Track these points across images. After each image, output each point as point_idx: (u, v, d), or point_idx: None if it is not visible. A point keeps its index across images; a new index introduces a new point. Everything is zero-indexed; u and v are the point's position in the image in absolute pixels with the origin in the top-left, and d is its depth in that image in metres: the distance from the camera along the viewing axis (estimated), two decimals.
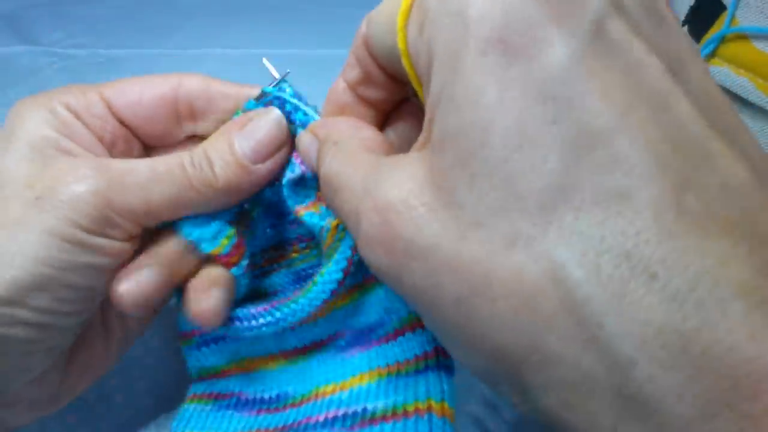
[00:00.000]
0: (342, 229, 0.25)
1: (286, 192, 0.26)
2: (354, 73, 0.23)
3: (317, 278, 0.25)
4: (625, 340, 0.13)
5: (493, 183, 0.14)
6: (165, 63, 0.55)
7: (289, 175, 0.26)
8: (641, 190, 0.13)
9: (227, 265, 0.27)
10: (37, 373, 0.25)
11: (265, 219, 0.29)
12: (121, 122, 0.26)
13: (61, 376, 0.27)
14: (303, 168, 0.25)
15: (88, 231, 0.22)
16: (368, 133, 0.21)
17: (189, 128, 0.28)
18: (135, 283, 0.24)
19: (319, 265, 0.30)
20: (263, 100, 0.27)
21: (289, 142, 0.26)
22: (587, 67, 0.14)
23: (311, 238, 0.30)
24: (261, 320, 0.26)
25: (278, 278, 0.30)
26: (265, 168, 0.25)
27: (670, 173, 0.13)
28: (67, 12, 0.87)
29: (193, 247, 0.26)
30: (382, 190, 0.17)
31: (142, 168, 0.24)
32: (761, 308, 0.12)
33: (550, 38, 0.14)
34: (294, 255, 0.30)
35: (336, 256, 0.25)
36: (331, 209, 0.21)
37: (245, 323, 0.27)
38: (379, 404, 0.25)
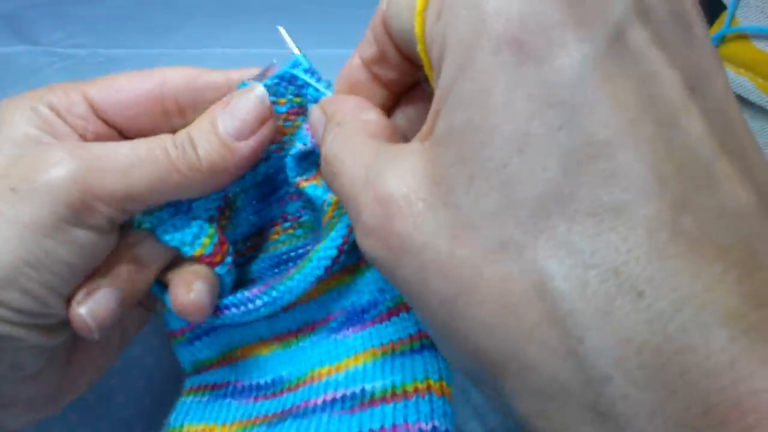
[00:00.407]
0: (342, 206, 0.25)
1: (290, 163, 0.26)
2: (370, 51, 0.22)
3: (312, 255, 0.25)
4: (603, 355, 0.13)
5: (491, 185, 0.14)
6: (165, 63, 0.54)
7: (299, 146, 0.25)
8: (638, 207, 0.13)
9: (211, 265, 0.26)
10: (31, 372, 0.24)
11: (248, 205, 0.29)
12: (106, 122, 0.26)
13: (59, 376, 0.26)
14: (314, 141, 0.25)
15: (67, 220, 0.22)
16: (372, 116, 0.21)
17: (178, 123, 0.27)
18: (95, 304, 0.23)
19: (301, 247, 0.30)
20: (272, 76, 0.26)
21: (273, 117, 0.25)
22: (600, 74, 0.13)
23: (296, 217, 0.30)
24: (258, 302, 0.26)
25: (258, 264, 0.30)
26: (248, 146, 0.24)
27: (669, 193, 0.13)
28: (67, 12, 0.87)
29: (147, 258, 0.25)
30: (384, 181, 0.17)
31: (122, 150, 0.23)
32: (744, 337, 0.12)
33: (566, 42, 0.14)
34: (276, 236, 0.30)
35: (332, 234, 0.25)
36: (331, 189, 0.20)
37: (242, 308, 0.26)
38: (377, 384, 0.25)
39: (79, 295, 0.23)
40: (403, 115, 0.24)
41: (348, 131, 0.20)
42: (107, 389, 0.33)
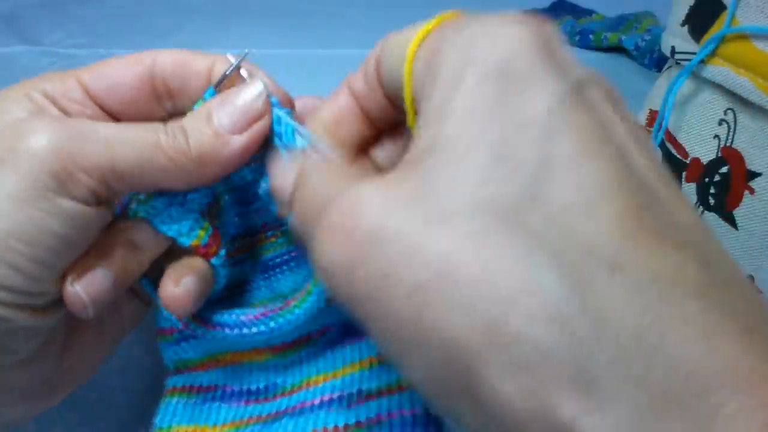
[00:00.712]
0: None
1: (266, 190, 0.25)
2: (359, 85, 0.23)
3: (310, 287, 0.25)
4: (586, 319, 0.14)
5: (472, 184, 0.16)
6: None
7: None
8: (606, 203, 0.15)
9: (206, 256, 0.26)
10: (25, 356, 0.24)
11: (231, 207, 0.29)
12: (101, 107, 0.26)
13: (54, 365, 0.26)
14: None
15: (51, 189, 0.21)
16: (342, 151, 0.23)
17: (168, 105, 0.27)
18: (88, 283, 0.23)
19: (285, 253, 0.30)
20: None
21: (268, 115, 0.25)
22: (570, 106, 0.16)
23: (278, 226, 0.30)
24: (254, 329, 0.26)
25: (247, 267, 0.30)
26: (241, 141, 0.24)
27: (631, 196, 0.15)
28: (67, 12, 0.87)
29: (143, 243, 0.25)
30: (357, 186, 0.17)
31: (108, 125, 0.23)
32: (716, 310, 0.13)
33: (544, 79, 0.16)
34: (260, 244, 0.30)
35: None
36: (295, 222, 0.21)
37: (235, 330, 0.26)
38: (373, 385, 0.26)
39: (73, 273, 0.23)
40: (383, 151, 0.25)
41: (312, 169, 0.21)
42: (107, 389, 0.33)
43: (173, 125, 0.24)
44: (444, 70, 0.18)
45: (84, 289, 0.23)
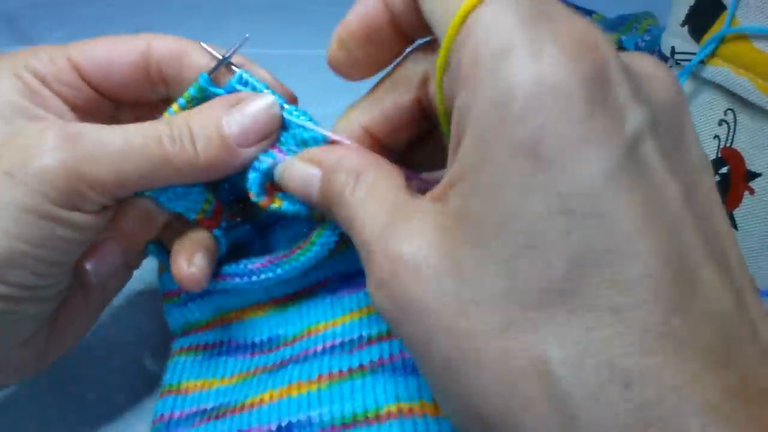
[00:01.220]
0: None
1: (256, 179, 0.25)
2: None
3: (314, 238, 0.26)
4: None
5: (498, 271, 0.15)
6: None
7: (268, 161, 0.25)
8: (633, 310, 0.14)
9: (210, 228, 0.27)
10: (23, 339, 0.25)
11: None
12: (95, 89, 0.26)
13: (46, 338, 0.27)
14: (281, 157, 0.25)
15: (60, 205, 0.22)
16: (388, 167, 0.21)
17: (162, 91, 0.27)
18: (98, 257, 0.25)
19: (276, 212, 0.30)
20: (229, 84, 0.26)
21: (279, 127, 0.25)
22: (613, 187, 0.15)
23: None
24: (262, 276, 0.27)
25: (241, 231, 0.31)
26: (249, 153, 0.24)
27: (663, 298, 0.14)
28: (67, 12, 0.87)
29: (155, 212, 0.26)
30: (395, 238, 0.18)
31: (115, 140, 0.23)
32: (715, 424, 0.14)
33: (582, 156, 0.15)
34: (252, 207, 0.30)
35: (332, 223, 0.25)
36: (344, 229, 0.21)
37: (245, 279, 0.27)
38: (373, 330, 0.27)
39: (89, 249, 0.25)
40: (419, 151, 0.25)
41: (369, 183, 0.20)
42: (107, 389, 0.33)
43: (180, 128, 0.24)
44: (474, 127, 0.16)
45: (93, 262, 0.25)
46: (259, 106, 0.24)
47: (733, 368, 0.14)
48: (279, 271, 0.27)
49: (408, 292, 0.17)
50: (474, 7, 0.16)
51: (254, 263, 0.27)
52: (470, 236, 0.16)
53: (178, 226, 0.27)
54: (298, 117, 0.25)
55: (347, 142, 0.23)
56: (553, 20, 0.15)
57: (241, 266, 0.27)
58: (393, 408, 0.24)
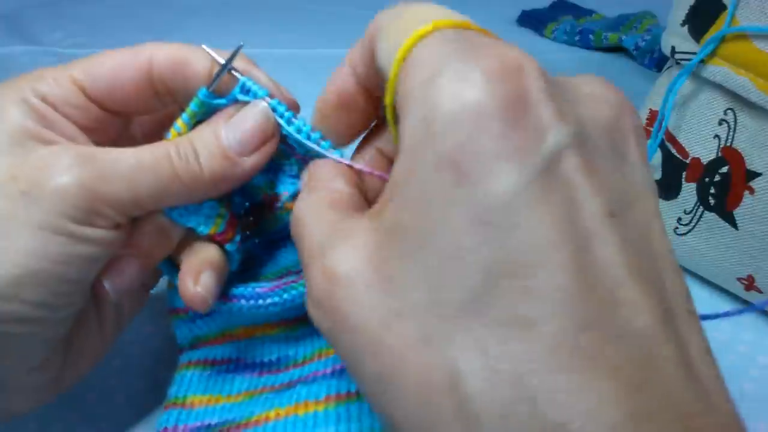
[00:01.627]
0: None
1: (284, 187, 0.26)
2: (357, 62, 0.23)
3: None
4: None
5: (422, 283, 0.16)
6: None
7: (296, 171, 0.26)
8: (545, 324, 0.14)
9: (222, 242, 0.27)
10: (38, 362, 0.25)
11: (237, 189, 0.29)
12: (102, 108, 0.26)
13: (61, 362, 0.27)
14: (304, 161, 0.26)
15: (76, 222, 0.23)
16: (339, 186, 0.22)
17: (169, 101, 0.27)
18: (115, 274, 0.25)
19: (286, 227, 0.31)
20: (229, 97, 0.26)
21: (276, 134, 0.26)
22: (526, 200, 0.15)
23: (278, 200, 0.30)
24: (269, 300, 0.27)
25: (250, 245, 0.31)
26: (251, 161, 0.25)
27: (574, 313, 0.14)
28: (67, 12, 0.87)
29: (170, 228, 0.26)
30: (333, 256, 0.18)
31: (127, 159, 0.24)
32: None
33: (498, 170, 0.15)
34: (263, 220, 0.31)
35: None
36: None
37: (251, 302, 0.27)
38: None
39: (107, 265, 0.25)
40: (386, 139, 0.25)
41: (315, 198, 0.21)
42: (107, 389, 0.33)
43: (184, 144, 0.25)
44: (405, 141, 0.17)
45: (110, 278, 0.25)
46: (253, 114, 0.25)
47: (649, 391, 0.14)
48: (286, 296, 0.27)
49: (341, 309, 0.17)
50: (410, 49, 0.18)
51: (263, 287, 0.27)
52: (399, 249, 0.16)
53: (190, 242, 0.27)
54: (308, 132, 0.25)
55: (345, 161, 0.24)
56: (479, 50, 0.16)
57: (249, 289, 0.27)
58: None
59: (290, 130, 0.25)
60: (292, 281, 0.27)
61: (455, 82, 0.16)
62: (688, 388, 0.15)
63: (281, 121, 0.25)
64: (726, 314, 0.31)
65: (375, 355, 0.16)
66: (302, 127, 0.25)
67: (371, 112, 0.24)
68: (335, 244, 0.18)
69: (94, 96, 0.26)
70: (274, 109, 0.25)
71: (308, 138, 0.25)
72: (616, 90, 0.19)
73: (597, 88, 0.18)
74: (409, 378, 0.15)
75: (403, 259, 0.16)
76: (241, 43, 0.26)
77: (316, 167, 0.24)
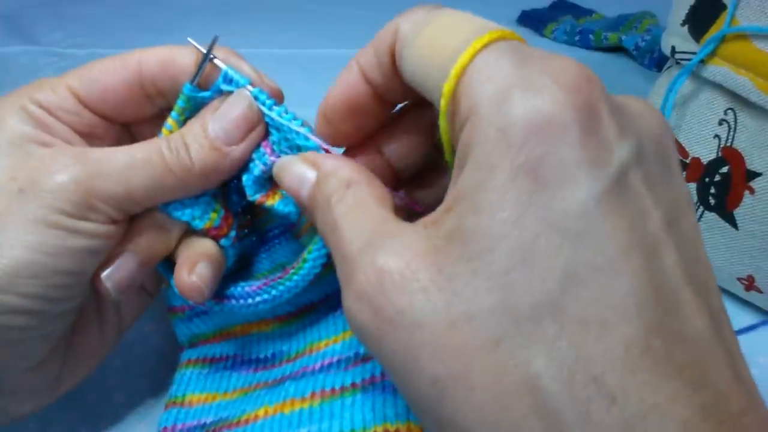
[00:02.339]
0: None
1: (247, 182, 0.26)
2: (371, 69, 0.22)
3: (306, 255, 0.26)
4: None
5: (492, 285, 0.16)
6: None
7: (260, 167, 0.26)
8: (619, 326, 0.15)
9: (217, 238, 0.28)
10: (36, 361, 0.25)
11: (233, 186, 0.30)
12: (95, 113, 0.27)
13: (61, 363, 0.27)
14: (273, 159, 0.26)
15: (72, 216, 0.23)
16: (379, 183, 0.22)
17: (161, 102, 0.28)
18: (114, 270, 0.25)
19: (282, 224, 0.31)
20: (213, 89, 0.27)
21: (262, 123, 0.26)
22: (601, 210, 0.16)
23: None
24: (258, 298, 0.27)
25: (248, 242, 0.31)
26: (239, 150, 0.26)
27: (645, 317, 0.15)
28: (67, 12, 0.87)
29: (169, 225, 0.27)
30: (384, 252, 0.18)
31: (120, 156, 0.24)
32: None
33: (577, 179, 0.16)
34: (258, 218, 0.31)
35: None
36: (323, 238, 0.21)
37: (241, 301, 0.28)
38: None
39: (104, 261, 0.25)
40: (387, 148, 0.25)
41: (359, 193, 0.21)
42: (107, 389, 0.33)
43: (175, 138, 0.25)
44: (478, 153, 0.17)
45: (109, 275, 0.25)
46: (237, 104, 0.26)
47: (709, 389, 0.15)
48: (274, 292, 0.27)
49: (394, 304, 0.17)
50: (470, 61, 0.18)
51: (251, 285, 0.28)
52: (464, 252, 0.16)
53: (187, 239, 0.28)
54: (289, 120, 0.25)
55: (336, 151, 0.24)
56: (543, 62, 0.17)
57: (238, 288, 0.28)
58: (380, 429, 0.24)
59: (272, 114, 0.26)
60: (279, 277, 0.27)
61: (531, 93, 0.16)
62: (736, 387, 0.15)
63: (263, 108, 0.26)
64: (751, 328, 0.32)
65: (436, 355, 0.16)
66: (283, 113, 0.26)
67: (381, 116, 0.24)
68: (387, 240, 0.18)
69: (87, 102, 0.26)
70: (255, 97, 0.26)
71: (291, 120, 0.25)
72: (655, 109, 0.20)
73: (640, 105, 0.19)
74: (477, 379, 0.15)
75: (470, 262, 0.16)
76: (217, 35, 0.26)
77: (331, 160, 0.23)
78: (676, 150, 0.19)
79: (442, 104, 0.19)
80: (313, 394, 0.26)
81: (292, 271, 0.26)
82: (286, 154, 0.26)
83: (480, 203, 0.16)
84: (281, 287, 0.27)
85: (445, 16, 0.20)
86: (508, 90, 0.17)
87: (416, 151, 0.25)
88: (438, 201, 0.19)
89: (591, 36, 0.82)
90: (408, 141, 0.25)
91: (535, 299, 0.15)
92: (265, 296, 0.27)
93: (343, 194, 0.21)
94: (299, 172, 0.23)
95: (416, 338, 0.16)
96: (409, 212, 0.24)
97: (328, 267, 0.27)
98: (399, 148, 0.25)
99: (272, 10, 0.93)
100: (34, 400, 0.27)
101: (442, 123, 0.19)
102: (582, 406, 0.15)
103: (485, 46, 0.18)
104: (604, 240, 0.15)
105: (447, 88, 0.18)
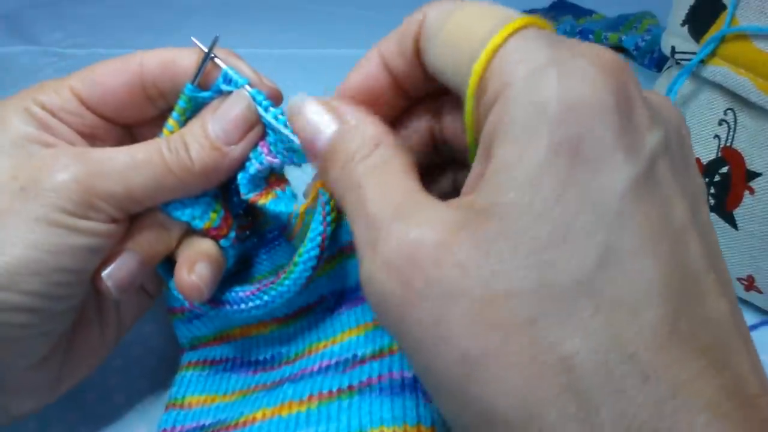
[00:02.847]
0: (310, 212, 0.26)
1: (242, 180, 0.27)
2: (393, 57, 0.22)
3: (296, 258, 0.26)
4: (615, 426, 0.15)
5: (531, 262, 0.16)
6: None
7: (256, 166, 0.26)
8: (650, 308, 0.15)
9: (217, 238, 0.28)
10: (37, 359, 0.25)
11: (234, 186, 0.29)
12: (97, 114, 0.27)
13: (61, 363, 0.27)
14: (269, 159, 0.26)
15: (73, 215, 0.23)
16: (407, 151, 0.21)
17: (162, 104, 0.28)
18: (115, 268, 0.25)
19: (282, 226, 0.31)
20: (213, 89, 0.27)
21: (260, 123, 0.26)
22: (636, 193, 0.16)
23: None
24: (250, 304, 0.28)
25: (249, 244, 0.31)
26: (238, 149, 0.26)
27: (673, 300, 0.16)
28: (67, 12, 0.87)
29: (169, 224, 0.27)
30: (418, 222, 0.17)
31: (121, 156, 0.25)
32: (717, 421, 0.15)
33: (616, 161, 0.16)
34: (259, 219, 0.31)
35: (309, 235, 0.26)
36: (340, 200, 0.20)
37: (234, 306, 0.28)
38: (367, 350, 0.27)
39: (106, 260, 0.25)
40: (414, 129, 0.25)
41: (387, 158, 0.20)
42: (107, 389, 0.33)
43: (175, 138, 0.26)
44: (515, 129, 0.17)
45: (110, 274, 0.25)
46: (236, 104, 0.26)
47: (729, 371, 0.15)
48: (266, 298, 0.27)
49: (428, 276, 0.16)
50: (501, 44, 0.18)
51: (244, 291, 0.28)
52: (503, 228, 0.16)
53: (187, 239, 0.28)
54: (283, 123, 0.26)
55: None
56: (576, 46, 0.17)
57: (232, 293, 0.28)
58: (376, 431, 0.24)
59: (267, 117, 0.26)
60: (271, 282, 0.27)
61: (569, 74, 0.16)
62: (752, 370, 0.16)
63: (260, 110, 0.26)
64: (751, 328, 0.32)
65: (470, 330, 0.16)
66: (279, 115, 0.26)
67: (397, 107, 0.24)
68: (420, 211, 0.17)
69: (89, 103, 0.27)
70: (253, 98, 0.26)
71: (286, 125, 0.25)
72: (669, 99, 0.20)
73: (660, 98, 0.19)
74: (512, 357, 0.15)
75: (509, 239, 0.16)
76: (217, 35, 0.26)
77: (356, 114, 0.21)
78: (690, 141, 0.20)
79: (471, 82, 0.18)
80: (310, 397, 0.26)
81: (284, 276, 0.27)
82: (283, 154, 0.26)
83: (517, 179, 0.16)
84: (273, 292, 0.27)
85: (472, 5, 0.20)
86: (544, 69, 0.17)
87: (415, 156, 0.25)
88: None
89: (591, 36, 0.82)
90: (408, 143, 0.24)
91: (573, 278, 0.15)
92: (258, 302, 0.27)
93: (369, 152, 0.20)
94: (316, 120, 0.21)
95: (448, 312, 0.16)
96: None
97: (320, 269, 0.27)
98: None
99: (272, 10, 0.93)
100: (35, 399, 0.27)
101: (469, 103, 0.19)
102: (616, 384, 0.15)
103: (517, 30, 0.18)
104: (638, 224, 0.16)
105: (477, 67, 0.18)
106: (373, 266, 0.17)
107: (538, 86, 0.16)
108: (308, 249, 0.26)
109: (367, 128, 0.20)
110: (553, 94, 0.16)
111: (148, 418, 0.31)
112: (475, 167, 0.18)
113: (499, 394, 0.15)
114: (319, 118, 0.21)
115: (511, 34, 0.18)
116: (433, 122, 0.24)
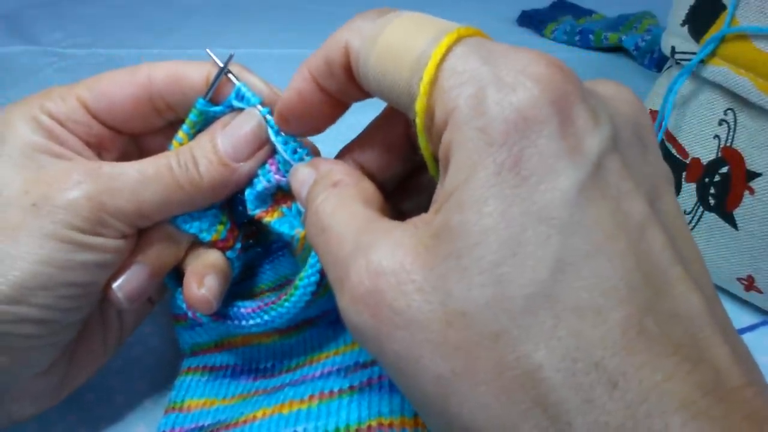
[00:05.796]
0: None
1: (249, 196, 0.27)
2: (323, 76, 0.23)
3: (297, 282, 0.26)
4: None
5: (484, 280, 0.16)
6: None
7: (264, 183, 0.27)
8: (614, 310, 0.15)
9: (223, 249, 0.28)
10: (43, 368, 0.26)
11: (238, 198, 0.30)
12: (104, 125, 0.27)
13: (64, 370, 0.27)
14: (277, 177, 0.27)
15: (84, 231, 0.24)
16: (368, 184, 0.22)
17: (170, 116, 0.28)
18: (125, 280, 0.26)
19: (280, 241, 0.31)
20: (224, 104, 0.27)
21: (269, 141, 0.27)
22: (584, 197, 0.16)
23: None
24: (251, 321, 0.28)
25: (252, 254, 0.32)
26: (247, 167, 0.26)
27: (637, 298, 0.15)
28: (67, 12, 0.87)
29: (178, 237, 0.27)
30: (376, 253, 0.18)
31: (132, 172, 0.25)
32: (694, 421, 0.14)
33: (558, 170, 0.16)
34: (263, 230, 0.31)
35: (310, 261, 0.26)
36: (311, 242, 0.21)
37: (236, 322, 0.28)
38: (369, 357, 0.27)
39: (116, 271, 0.26)
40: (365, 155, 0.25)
41: (345, 193, 0.21)
42: (107, 389, 0.33)
43: (184, 153, 0.26)
44: (460, 154, 0.17)
45: (120, 286, 0.26)
46: (247, 122, 0.26)
47: (705, 366, 0.15)
48: (266, 317, 0.27)
49: (392, 306, 0.17)
50: (441, 63, 0.18)
51: (246, 307, 0.28)
52: (453, 249, 0.16)
53: (195, 250, 0.28)
54: (291, 149, 0.26)
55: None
56: (512, 56, 0.17)
57: (234, 309, 0.28)
58: (374, 423, 0.25)
59: (275, 141, 0.26)
60: (272, 302, 0.27)
61: (507, 91, 0.17)
62: (734, 363, 0.16)
63: (270, 131, 0.26)
64: (751, 328, 0.32)
65: (436, 353, 0.16)
66: (290, 139, 0.26)
67: (340, 112, 0.24)
68: (378, 240, 0.18)
69: (96, 113, 0.27)
70: (264, 117, 0.26)
71: (294, 151, 0.26)
72: (627, 89, 0.20)
73: (611, 87, 0.19)
74: (480, 376, 0.15)
75: (460, 258, 0.16)
76: (232, 53, 0.27)
77: (332, 163, 0.24)
78: (652, 127, 0.19)
79: (418, 122, 0.19)
80: (311, 397, 0.27)
81: (284, 297, 0.27)
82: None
83: (464, 200, 0.16)
84: (273, 313, 0.27)
85: (402, 18, 0.20)
86: (482, 90, 0.17)
87: (395, 163, 0.25)
88: (426, 207, 0.19)
89: (591, 36, 0.82)
90: (385, 153, 0.25)
91: (528, 291, 0.15)
92: (258, 320, 0.28)
93: (328, 194, 0.21)
94: (302, 176, 0.24)
95: (417, 338, 0.16)
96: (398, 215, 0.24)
97: (319, 293, 0.27)
98: (378, 162, 0.25)
99: (272, 10, 0.93)
100: (37, 404, 0.27)
101: (421, 139, 0.19)
102: (584, 393, 0.15)
103: (446, 52, 0.18)
104: (590, 227, 0.16)
105: (419, 105, 0.18)
106: (344, 303, 0.18)
107: (477, 110, 0.17)
108: (308, 275, 0.26)
109: (332, 173, 0.22)
110: (493, 116, 0.16)
111: (148, 419, 0.31)
112: (438, 185, 0.19)
113: (475, 411, 0.16)
114: (304, 174, 0.24)
115: (442, 58, 0.18)
116: (408, 126, 0.25)
